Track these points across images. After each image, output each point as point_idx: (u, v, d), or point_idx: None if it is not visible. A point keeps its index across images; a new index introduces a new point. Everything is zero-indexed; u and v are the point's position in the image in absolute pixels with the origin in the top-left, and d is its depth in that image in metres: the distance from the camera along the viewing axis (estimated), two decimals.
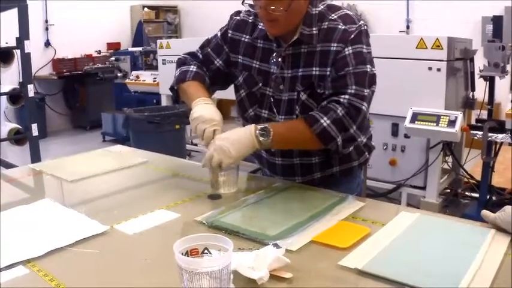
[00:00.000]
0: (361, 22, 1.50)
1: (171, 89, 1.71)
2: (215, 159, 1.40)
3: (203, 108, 1.49)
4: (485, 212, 1.22)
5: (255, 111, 1.62)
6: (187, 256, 0.91)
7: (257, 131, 1.42)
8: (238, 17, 1.65)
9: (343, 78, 1.44)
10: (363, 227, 1.22)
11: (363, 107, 1.45)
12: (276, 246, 1.05)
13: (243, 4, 1.51)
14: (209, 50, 1.69)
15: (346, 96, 1.43)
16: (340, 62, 1.45)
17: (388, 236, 1.16)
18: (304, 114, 1.50)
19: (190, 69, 1.65)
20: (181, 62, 1.72)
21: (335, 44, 1.46)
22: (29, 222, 1.29)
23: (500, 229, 1.17)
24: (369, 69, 1.47)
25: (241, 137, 1.42)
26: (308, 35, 1.48)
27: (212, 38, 1.71)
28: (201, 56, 1.71)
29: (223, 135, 1.43)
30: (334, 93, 1.45)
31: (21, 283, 1.00)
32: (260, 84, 1.58)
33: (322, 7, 1.51)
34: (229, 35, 1.64)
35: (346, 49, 1.45)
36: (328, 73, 1.47)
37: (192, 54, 1.73)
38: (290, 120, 1.53)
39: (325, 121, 1.42)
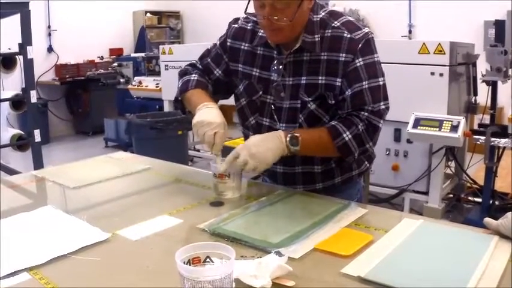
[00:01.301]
0: (367, 29, 1.49)
1: (176, 100, 1.70)
2: (249, 166, 1.39)
3: (204, 113, 1.49)
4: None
5: (256, 120, 1.61)
6: (189, 265, 0.91)
7: (287, 140, 1.41)
8: (236, 25, 1.64)
9: (359, 96, 1.45)
10: (365, 234, 1.22)
11: (380, 125, 1.48)
12: (279, 254, 1.05)
13: (245, 13, 1.50)
14: (209, 60, 1.68)
15: (366, 114, 1.45)
16: (352, 75, 1.45)
17: (391, 243, 1.16)
18: (310, 122, 1.51)
19: (192, 78, 1.65)
20: (182, 73, 1.72)
21: (343, 54, 1.45)
22: (31, 229, 1.29)
23: (503, 236, 1.17)
24: (381, 82, 1.48)
25: (275, 145, 1.41)
26: (310, 42, 1.47)
27: (212, 48, 1.71)
28: (200, 66, 1.71)
29: (256, 143, 1.40)
30: (353, 110, 1.46)
31: None
32: (260, 93, 1.58)
33: (323, 14, 1.50)
34: (229, 43, 1.63)
35: (356, 60, 1.45)
36: (338, 83, 1.47)
37: (192, 65, 1.73)
38: (313, 129, 1.51)
39: (347, 135, 1.44)
